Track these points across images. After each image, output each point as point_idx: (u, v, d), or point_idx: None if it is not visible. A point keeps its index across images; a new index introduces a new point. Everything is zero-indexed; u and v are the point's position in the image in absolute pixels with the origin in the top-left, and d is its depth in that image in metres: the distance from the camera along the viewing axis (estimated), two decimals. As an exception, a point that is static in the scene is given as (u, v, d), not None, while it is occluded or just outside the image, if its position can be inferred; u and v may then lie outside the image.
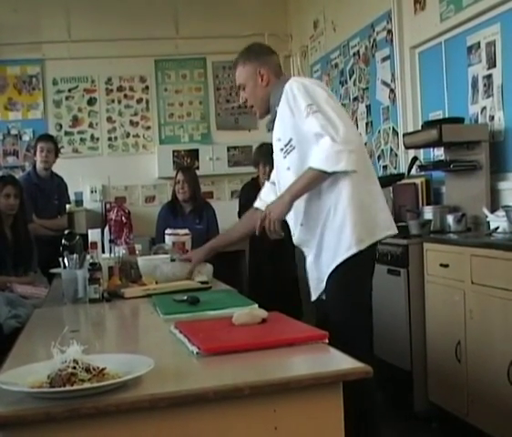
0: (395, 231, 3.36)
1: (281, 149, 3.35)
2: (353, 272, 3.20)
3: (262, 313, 2.43)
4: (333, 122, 3.09)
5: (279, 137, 3.38)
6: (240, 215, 6.34)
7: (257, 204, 3.75)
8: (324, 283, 3.27)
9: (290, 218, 3.36)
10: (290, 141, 3.29)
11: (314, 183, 3.15)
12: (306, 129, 3.17)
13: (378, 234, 3.25)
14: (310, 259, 3.38)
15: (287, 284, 6.33)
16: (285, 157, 3.33)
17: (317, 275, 3.34)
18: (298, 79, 3.37)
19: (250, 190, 6.01)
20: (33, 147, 7.06)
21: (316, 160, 3.09)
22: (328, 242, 3.23)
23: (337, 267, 3.19)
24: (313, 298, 3.40)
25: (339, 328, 2.88)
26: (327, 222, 3.22)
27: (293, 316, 2.58)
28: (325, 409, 1.84)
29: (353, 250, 3.15)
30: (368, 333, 3.38)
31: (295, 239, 3.43)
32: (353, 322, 3.18)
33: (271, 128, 3.48)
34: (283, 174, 3.37)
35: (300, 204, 3.24)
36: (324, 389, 1.82)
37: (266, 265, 6.46)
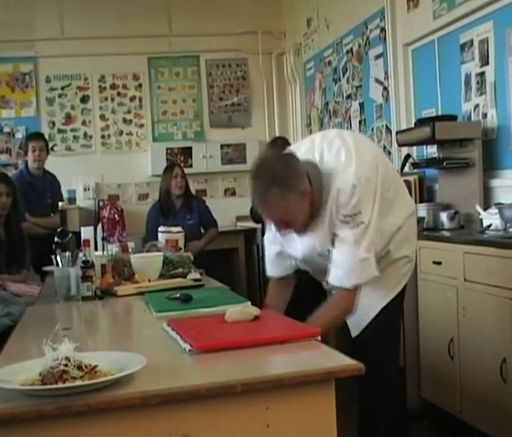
0: None
1: (320, 255, 2.95)
2: (399, 308, 3.18)
3: (255, 311, 2.43)
4: (370, 234, 2.77)
5: (316, 247, 2.92)
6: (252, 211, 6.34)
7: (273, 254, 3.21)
8: (369, 319, 3.05)
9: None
10: (328, 251, 2.89)
11: (348, 310, 2.88)
12: (338, 232, 2.80)
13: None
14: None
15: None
16: (325, 260, 2.91)
17: (365, 309, 3.03)
18: (352, 174, 2.77)
19: None
20: (24, 146, 7.05)
21: (336, 275, 2.82)
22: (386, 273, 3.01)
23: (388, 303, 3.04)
24: (354, 334, 3.09)
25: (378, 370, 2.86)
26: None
27: None
28: (318, 406, 1.84)
29: (403, 283, 3.11)
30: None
31: None
32: (393, 364, 3.18)
33: (302, 234, 2.95)
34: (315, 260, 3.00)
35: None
36: (317, 386, 1.82)
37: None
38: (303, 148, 2.98)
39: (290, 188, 2.71)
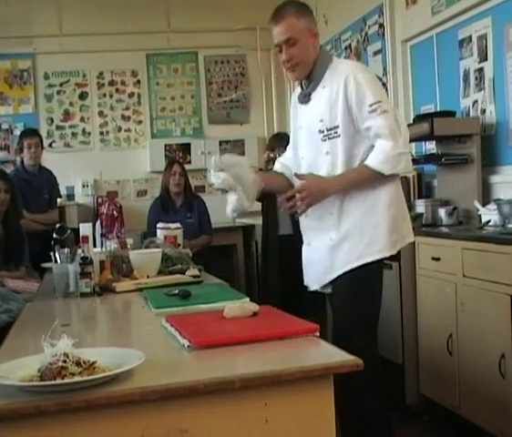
0: (413, 239, 3.43)
1: (322, 131, 3.18)
2: (372, 280, 3.23)
3: (254, 307, 2.43)
4: (400, 125, 3.11)
5: (321, 118, 3.18)
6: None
7: (278, 167, 3.54)
8: (333, 276, 3.20)
9: None
10: (336, 128, 3.15)
11: (369, 182, 3.10)
12: (367, 125, 3.08)
13: (405, 240, 3.32)
14: (322, 244, 3.22)
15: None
16: (325, 140, 3.18)
17: (328, 264, 3.21)
18: (359, 67, 3.31)
19: None
20: (18, 144, 7.04)
21: (376, 161, 3.06)
22: (357, 235, 3.15)
23: (358, 267, 3.14)
24: (313, 288, 3.35)
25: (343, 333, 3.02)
26: (364, 216, 3.15)
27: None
28: (316, 402, 1.84)
29: (385, 254, 3.17)
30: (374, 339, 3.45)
31: (308, 215, 3.22)
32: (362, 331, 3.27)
33: (304, 101, 3.28)
34: (318, 156, 3.22)
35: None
36: (315, 382, 1.82)
37: (275, 263, 6.26)
38: None
39: (305, 15, 3.21)
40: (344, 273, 3.16)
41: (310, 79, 3.24)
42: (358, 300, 3.18)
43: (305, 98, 3.27)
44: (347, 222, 3.16)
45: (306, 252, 3.37)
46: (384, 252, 3.17)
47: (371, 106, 3.06)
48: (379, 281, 3.28)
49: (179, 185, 6.72)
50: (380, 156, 3.05)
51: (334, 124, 3.14)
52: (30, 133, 6.85)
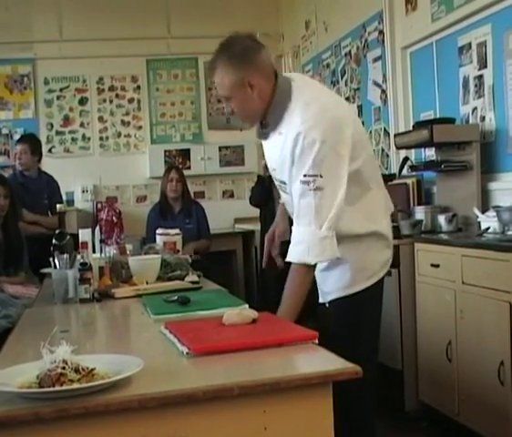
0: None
1: (276, 178, 2.98)
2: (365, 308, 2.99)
3: (253, 313, 2.43)
4: (331, 203, 2.68)
5: (274, 167, 2.96)
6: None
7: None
8: (325, 300, 2.99)
9: None
10: (284, 184, 2.90)
11: (306, 284, 2.76)
12: (295, 194, 2.74)
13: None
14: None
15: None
16: (279, 189, 3.01)
17: (321, 285, 3.02)
18: (319, 116, 2.71)
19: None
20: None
21: (296, 253, 2.73)
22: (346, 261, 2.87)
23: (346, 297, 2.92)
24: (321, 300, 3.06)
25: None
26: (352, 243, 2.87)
27: None
28: (315, 409, 1.84)
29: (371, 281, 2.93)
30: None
31: None
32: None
33: (264, 138, 2.97)
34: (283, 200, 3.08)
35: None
36: (314, 389, 1.82)
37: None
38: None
39: (235, 69, 2.78)
40: (336, 300, 2.94)
41: (266, 123, 2.90)
42: (351, 333, 2.95)
43: (264, 136, 2.96)
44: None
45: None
46: (375, 277, 2.94)
47: (305, 176, 2.68)
48: (375, 306, 3.09)
49: (176, 191, 6.74)
50: (301, 246, 2.71)
51: (283, 178, 2.89)
52: (20, 139, 6.92)
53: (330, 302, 2.96)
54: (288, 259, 2.75)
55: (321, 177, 2.66)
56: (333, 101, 2.94)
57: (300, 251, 2.71)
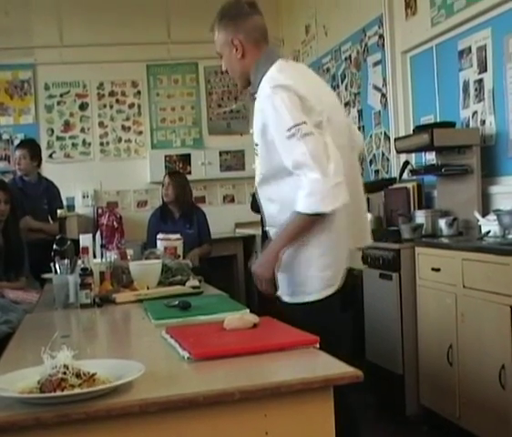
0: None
1: (254, 142, 2.99)
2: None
3: (254, 318, 2.43)
4: (323, 147, 2.72)
5: (252, 130, 3.00)
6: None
7: None
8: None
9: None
10: (256, 145, 2.94)
11: (307, 229, 2.78)
12: (287, 154, 2.74)
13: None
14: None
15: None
16: (256, 154, 2.99)
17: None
18: (283, 81, 2.80)
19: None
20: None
21: (309, 203, 2.69)
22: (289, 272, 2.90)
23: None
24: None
25: None
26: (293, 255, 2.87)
27: None
28: (316, 413, 1.84)
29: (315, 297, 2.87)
30: None
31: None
32: None
33: (253, 100, 3.01)
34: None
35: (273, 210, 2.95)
36: (315, 393, 1.82)
37: None
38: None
39: (224, 27, 3.04)
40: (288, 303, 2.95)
41: (252, 86, 3.03)
42: None
43: (252, 97, 3.04)
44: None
45: None
46: (314, 295, 2.88)
47: (289, 130, 2.70)
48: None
49: (167, 195, 6.76)
50: (312, 197, 2.68)
51: (256, 140, 2.94)
52: (20, 144, 6.91)
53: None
54: (301, 211, 2.71)
55: (304, 123, 2.72)
56: (308, 81, 3.00)
57: (313, 202, 2.68)
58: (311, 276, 2.87)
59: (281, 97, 2.76)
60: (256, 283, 2.93)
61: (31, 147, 6.79)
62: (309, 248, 2.84)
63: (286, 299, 2.95)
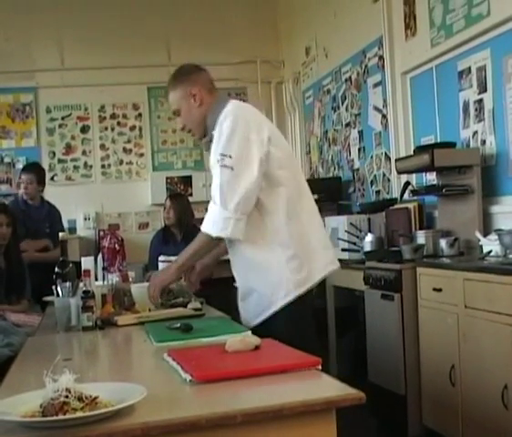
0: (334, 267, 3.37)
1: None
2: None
3: (255, 340, 2.43)
4: (238, 183, 3.03)
5: (212, 166, 3.26)
6: None
7: None
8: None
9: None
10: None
11: (203, 249, 3.27)
12: (213, 175, 3.15)
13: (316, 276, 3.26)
14: (238, 300, 3.41)
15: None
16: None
17: (244, 318, 3.33)
18: (234, 111, 3.17)
19: None
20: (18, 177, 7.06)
21: (205, 223, 3.14)
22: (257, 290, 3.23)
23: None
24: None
25: None
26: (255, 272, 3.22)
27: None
28: (318, 435, 1.83)
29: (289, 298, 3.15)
30: None
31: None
32: None
33: (207, 149, 3.36)
34: None
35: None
36: (317, 416, 1.82)
37: None
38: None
39: (181, 82, 3.32)
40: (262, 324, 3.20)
41: (207, 133, 3.32)
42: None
43: (207, 146, 3.35)
44: (240, 282, 3.33)
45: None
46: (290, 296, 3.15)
47: (219, 155, 3.09)
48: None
49: (168, 218, 6.77)
50: (207, 218, 3.13)
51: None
52: (26, 169, 6.83)
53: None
54: (201, 227, 3.17)
55: (230, 157, 3.05)
56: (258, 118, 3.31)
57: (206, 223, 3.13)
58: (282, 281, 3.15)
59: (228, 124, 3.10)
60: (148, 291, 3.40)
61: (38, 171, 6.77)
62: (276, 255, 3.14)
63: (258, 320, 3.21)
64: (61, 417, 1.67)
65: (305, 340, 2.90)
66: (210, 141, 3.25)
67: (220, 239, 3.20)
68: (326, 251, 3.32)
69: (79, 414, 1.68)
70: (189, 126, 3.37)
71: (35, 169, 6.82)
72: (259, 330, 2.95)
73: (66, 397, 1.71)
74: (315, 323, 3.37)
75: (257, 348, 2.38)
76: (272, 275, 3.14)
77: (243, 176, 3.04)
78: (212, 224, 3.09)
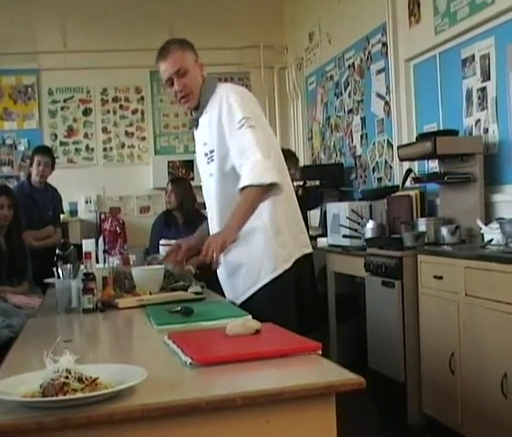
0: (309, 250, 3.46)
1: (206, 154, 3.36)
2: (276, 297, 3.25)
3: (256, 324, 2.43)
4: (267, 141, 3.17)
5: (205, 142, 3.37)
6: None
7: None
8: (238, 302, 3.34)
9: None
10: (212, 152, 3.30)
11: (257, 202, 3.10)
12: (235, 141, 3.16)
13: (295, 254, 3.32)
14: (222, 277, 3.49)
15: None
16: (209, 162, 3.35)
17: (232, 295, 3.43)
18: (234, 89, 3.35)
19: None
20: (29, 158, 7.03)
21: (252, 176, 3.05)
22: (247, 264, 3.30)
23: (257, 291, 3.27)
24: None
25: None
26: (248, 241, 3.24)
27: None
28: (318, 420, 1.83)
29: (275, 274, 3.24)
30: None
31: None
32: None
33: (194, 127, 3.47)
34: (207, 179, 3.42)
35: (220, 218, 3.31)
36: (317, 400, 1.82)
37: None
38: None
39: (188, 49, 3.34)
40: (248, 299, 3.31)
41: (197, 106, 3.38)
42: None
43: (194, 123, 3.45)
44: (229, 257, 3.32)
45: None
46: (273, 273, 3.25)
47: (239, 122, 3.14)
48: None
49: (169, 202, 6.74)
50: (255, 170, 3.05)
51: (212, 147, 3.29)
52: (42, 151, 6.78)
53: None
54: (245, 184, 3.05)
55: (250, 118, 3.14)
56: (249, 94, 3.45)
57: (257, 175, 3.03)
58: (269, 259, 3.24)
59: (234, 98, 3.21)
60: (205, 251, 3.03)
61: (52, 155, 6.78)
62: (264, 229, 3.22)
63: (245, 295, 3.32)
64: (61, 398, 1.67)
65: (286, 320, 2.83)
66: (197, 120, 3.40)
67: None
68: (302, 234, 3.44)
69: (79, 395, 1.68)
70: (190, 88, 3.34)
71: (49, 152, 6.82)
72: (242, 308, 3.13)
73: (67, 378, 1.71)
74: (295, 305, 3.39)
75: (257, 332, 2.39)
76: (261, 249, 3.23)
77: (268, 133, 3.26)
78: (261, 173, 3.03)
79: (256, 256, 3.24)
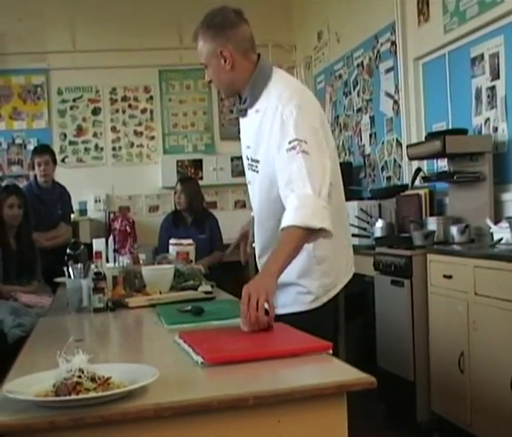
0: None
1: (247, 158, 2.96)
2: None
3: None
4: (322, 170, 2.66)
5: (248, 145, 2.95)
6: None
7: None
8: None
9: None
10: (257, 162, 2.89)
11: (302, 244, 2.61)
12: (283, 164, 2.68)
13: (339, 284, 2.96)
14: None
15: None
16: (248, 169, 2.98)
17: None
18: (293, 94, 2.78)
19: None
20: (30, 160, 7.05)
21: (299, 216, 2.55)
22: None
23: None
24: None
25: None
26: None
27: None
28: (329, 420, 1.84)
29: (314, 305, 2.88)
30: None
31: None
32: None
33: (242, 116, 3.00)
34: (248, 177, 3.05)
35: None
36: (328, 399, 1.82)
37: None
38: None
39: (212, 38, 2.94)
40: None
41: (244, 98, 2.94)
42: None
43: (242, 113, 2.99)
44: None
45: None
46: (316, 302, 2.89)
47: (290, 142, 2.65)
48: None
49: (179, 203, 6.76)
50: (303, 210, 2.57)
51: (256, 157, 2.88)
52: (40, 150, 6.80)
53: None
54: (290, 223, 2.57)
55: (305, 142, 2.64)
56: (309, 94, 3.00)
57: (304, 215, 2.56)
58: (310, 284, 2.88)
59: (290, 111, 2.70)
60: (244, 308, 2.39)
61: (51, 151, 6.80)
62: (306, 257, 2.82)
63: (281, 311, 2.82)
64: (74, 397, 1.68)
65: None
66: (244, 110, 2.94)
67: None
68: (350, 251, 3.08)
69: (92, 395, 1.69)
70: (216, 84, 3.01)
71: (48, 149, 6.83)
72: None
73: (80, 377, 1.72)
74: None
75: (270, 327, 2.38)
76: (302, 272, 2.87)
77: (324, 162, 2.68)
78: (309, 214, 2.55)
79: (292, 277, 2.84)
